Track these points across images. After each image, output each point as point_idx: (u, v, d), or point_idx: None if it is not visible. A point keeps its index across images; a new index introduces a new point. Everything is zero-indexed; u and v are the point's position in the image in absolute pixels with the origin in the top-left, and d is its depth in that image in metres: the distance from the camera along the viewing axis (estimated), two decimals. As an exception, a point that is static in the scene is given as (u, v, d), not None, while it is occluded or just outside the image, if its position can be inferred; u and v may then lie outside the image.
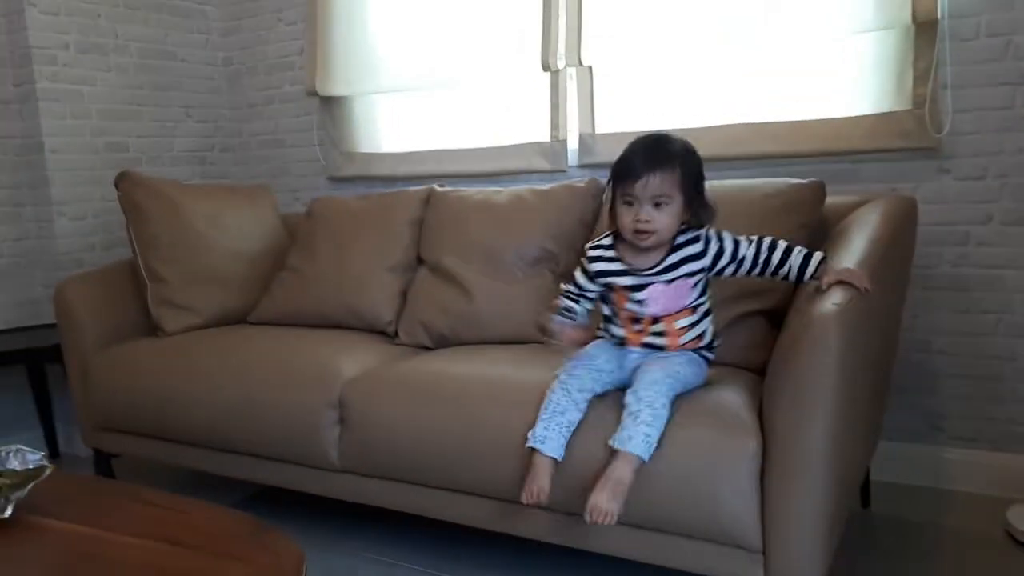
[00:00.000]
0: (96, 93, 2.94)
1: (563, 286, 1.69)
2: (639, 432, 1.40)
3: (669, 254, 1.54)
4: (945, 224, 2.10)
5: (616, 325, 1.62)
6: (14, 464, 1.35)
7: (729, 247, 1.54)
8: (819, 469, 1.34)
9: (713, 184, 1.91)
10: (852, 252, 1.55)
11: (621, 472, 1.40)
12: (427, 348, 2.18)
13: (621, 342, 1.61)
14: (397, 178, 2.91)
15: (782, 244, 1.53)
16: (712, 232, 1.55)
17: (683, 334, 1.56)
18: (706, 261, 1.54)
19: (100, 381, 2.32)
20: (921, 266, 2.10)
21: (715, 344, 1.62)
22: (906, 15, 2.00)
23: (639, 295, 1.56)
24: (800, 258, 1.51)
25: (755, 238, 1.55)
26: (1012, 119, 1.99)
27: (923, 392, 2.17)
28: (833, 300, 1.36)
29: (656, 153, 1.50)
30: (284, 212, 2.88)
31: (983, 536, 1.90)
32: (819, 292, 1.41)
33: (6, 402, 2.83)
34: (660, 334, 1.57)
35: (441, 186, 2.50)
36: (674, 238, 1.54)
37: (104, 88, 2.97)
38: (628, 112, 2.49)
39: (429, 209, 2.41)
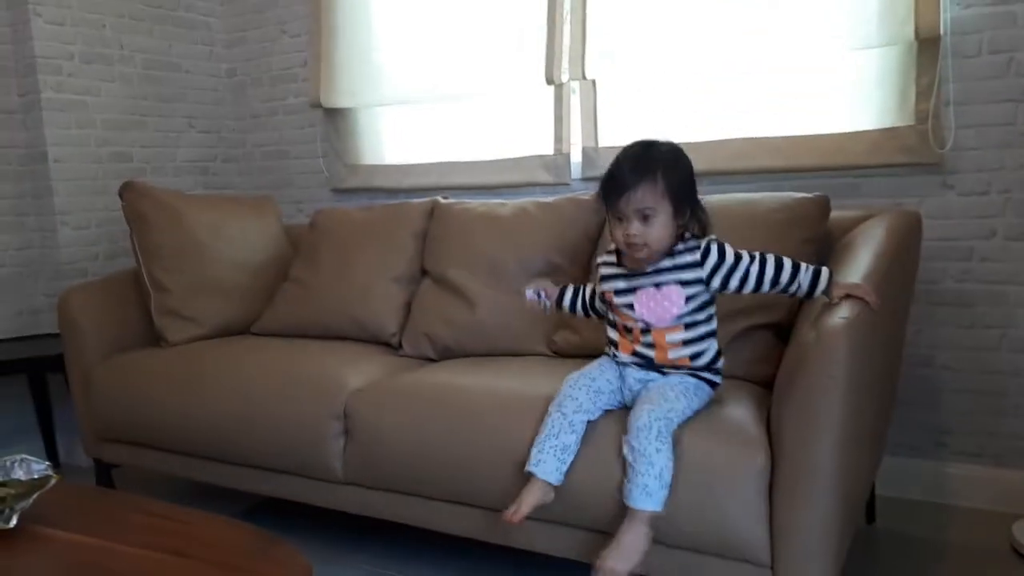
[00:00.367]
0: (100, 103, 2.95)
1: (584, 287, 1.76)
2: (637, 485, 1.40)
3: (664, 260, 1.53)
4: (949, 239, 2.11)
5: (613, 329, 1.63)
6: (19, 474, 1.35)
7: (729, 260, 1.50)
8: (827, 483, 1.34)
9: (718, 198, 1.94)
10: (858, 266, 1.55)
11: (631, 534, 1.40)
12: (431, 360, 2.18)
13: (615, 347, 1.61)
14: (400, 190, 2.92)
15: (788, 262, 1.50)
16: (713, 244, 1.52)
17: (674, 349, 1.54)
18: (702, 272, 1.51)
19: (103, 391, 2.31)
20: (925, 281, 2.10)
21: (719, 365, 1.58)
22: (909, 32, 2.01)
23: (629, 298, 1.55)
24: (809, 275, 1.48)
25: (757, 254, 1.51)
26: (1015, 135, 2.01)
27: (927, 407, 2.18)
28: (841, 314, 1.36)
29: (636, 166, 1.49)
30: (287, 223, 2.89)
31: (988, 551, 1.89)
32: (828, 306, 1.42)
33: (7, 412, 2.82)
34: (650, 345, 1.55)
35: (445, 198, 2.51)
36: (673, 245, 1.53)
37: (108, 98, 2.98)
38: (631, 126, 2.50)
39: (433, 221, 2.41)
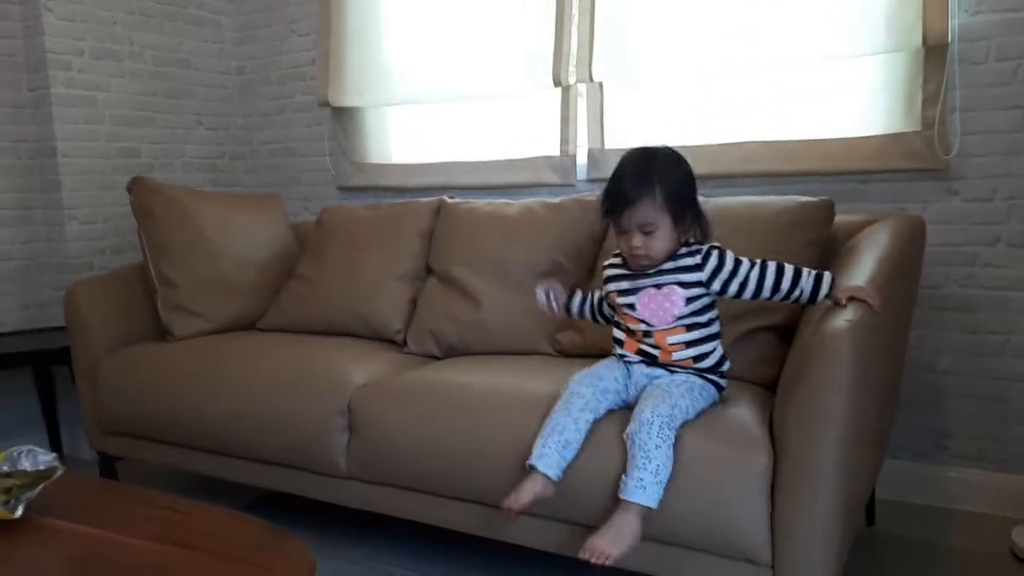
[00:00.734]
0: (110, 99, 2.97)
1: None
2: (633, 478, 1.40)
3: (666, 262, 1.55)
4: (952, 245, 2.11)
5: (619, 329, 1.64)
6: (25, 465, 1.35)
7: (728, 264, 1.52)
8: (829, 484, 1.34)
9: (723, 201, 1.95)
10: (861, 270, 1.56)
11: (622, 520, 1.40)
12: (436, 357, 2.19)
13: (621, 345, 1.62)
14: (407, 189, 2.93)
15: (790, 268, 1.51)
16: (714, 249, 1.54)
17: (676, 351, 1.56)
18: (702, 275, 1.53)
19: (108, 385, 2.32)
20: (928, 286, 2.11)
21: (725, 369, 1.59)
22: (917, 38, 2.02)
23: (631, 298, 1.58)
24: (811, 281, 1.49)
25: (758, 261, 1.53)
26: (1021, 142, 2.01)
27: (928, 411, 2.18)
28: (845, 316, 1.37)
29: (634, 182, 1.51)
30: (294, 221, 2.90)
31: (988, 555, 1.89)
32: (832, 308, 1.42)
33: (11, 405, 2.84)
34: (653, 347, 1.58)
35: (451, 197, 2.51)
36: (675, 250, 1.55)
37: (118, 94, 3.00)
38: (638, 128, 2.51)
39: (439, 220, 2.42)
